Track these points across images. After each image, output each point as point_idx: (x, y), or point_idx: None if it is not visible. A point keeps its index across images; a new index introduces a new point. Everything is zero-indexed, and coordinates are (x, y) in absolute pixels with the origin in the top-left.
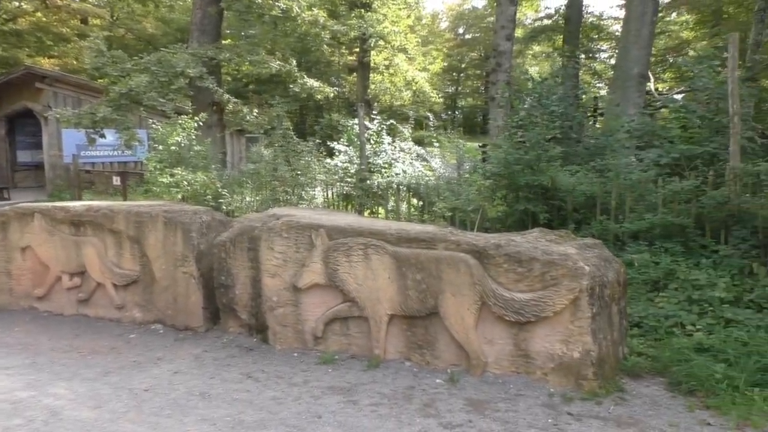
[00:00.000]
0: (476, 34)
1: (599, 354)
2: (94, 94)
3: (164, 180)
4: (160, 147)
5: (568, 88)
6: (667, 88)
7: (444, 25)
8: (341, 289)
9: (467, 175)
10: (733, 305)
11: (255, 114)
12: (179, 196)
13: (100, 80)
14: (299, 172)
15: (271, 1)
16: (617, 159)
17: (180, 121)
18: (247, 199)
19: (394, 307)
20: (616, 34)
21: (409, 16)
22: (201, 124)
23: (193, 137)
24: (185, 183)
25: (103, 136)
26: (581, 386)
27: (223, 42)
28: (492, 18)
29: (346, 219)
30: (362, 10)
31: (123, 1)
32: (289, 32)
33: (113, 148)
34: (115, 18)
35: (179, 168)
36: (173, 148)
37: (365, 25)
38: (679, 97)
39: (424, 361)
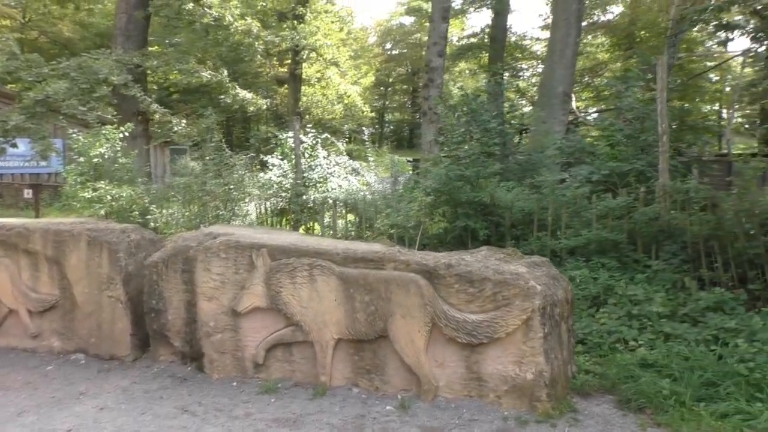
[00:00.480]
0: (403, 50)
1: (552, 374)
2: (4, 100)
3: (86, 194)
4: (81, 159)
5: (499, 105)
6: (584, 106)
7: (372, 40)
8: (284, 313)
9: (402, 191)
10: (669, 319)
11: (183, 125)
12: (102, 212)
13: (10, 85)
14: (232, 187)
15: (202, 9)
16: (550, 175)
17: (104, 132)
18: (177, 215)
19: (341, 331)
20: (538, 53)
21: (341, 30)
22: (127, 134)
23: (118, 149)
24: (109, 198)
25: (14, 145)
26: (535, 408)
27: (150, 49)
28: (419, 34)
29: (289, 238)
30: (294, 22)
31: (39, 1)
32: (221, 41)
33: (25, 159)
34: (27, 19)
35: (102, 182)
36: (96, 160)
37: (298, 37)
38: (595, 116)
39: (372, 386)
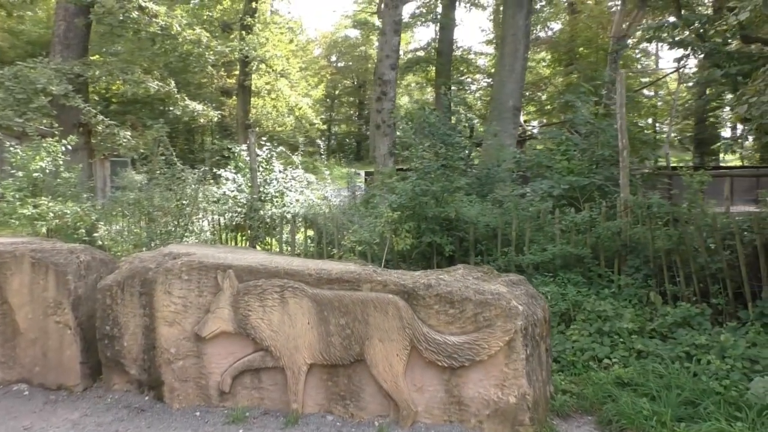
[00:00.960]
0: (349, 63)
1: (534, 397)
2: None
3: (25, 211)
4: (20, 173)
5: (448, 119)
6: (528, 120)
7: (317, 52)
8: (253, 337)
9: (363, 206)
10: (639, 335)
11: (128, 137)
12: (44, 230)
13: None
14: (185, 202)
15: (147, 17)
16: (507, 190)
17: (45, 144)
18: (125, 232)
19: (314, 356)
20: (484, 68)
21: (291, 41)
22: (69, 147)
23: (60, 162)
24: (52, 215)
25: None
26: None
27: (91, 58)
28: (364, 47)
29: (256, 257)
30: (243, 33)
31: None
32: (169, 51)
33: None
34: None
35: (44, 197)
36: (36, 174)
37: (247, 48)
38: (539, 129)
39: (347, 413)
